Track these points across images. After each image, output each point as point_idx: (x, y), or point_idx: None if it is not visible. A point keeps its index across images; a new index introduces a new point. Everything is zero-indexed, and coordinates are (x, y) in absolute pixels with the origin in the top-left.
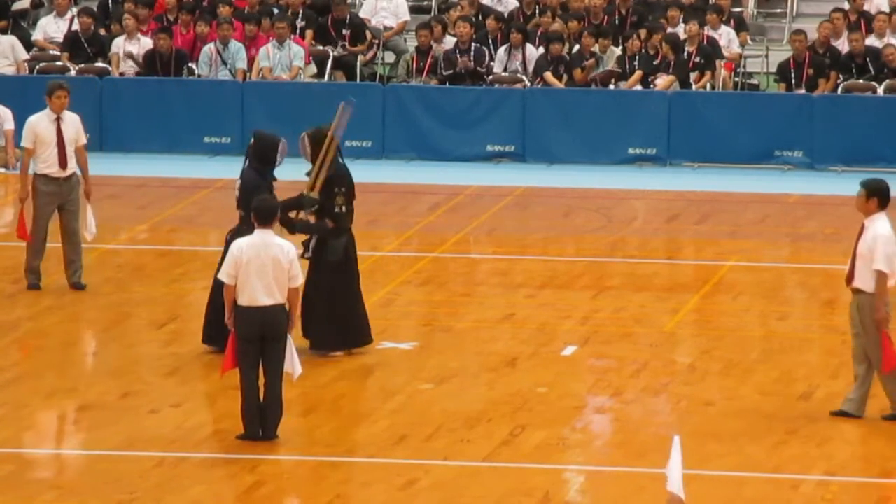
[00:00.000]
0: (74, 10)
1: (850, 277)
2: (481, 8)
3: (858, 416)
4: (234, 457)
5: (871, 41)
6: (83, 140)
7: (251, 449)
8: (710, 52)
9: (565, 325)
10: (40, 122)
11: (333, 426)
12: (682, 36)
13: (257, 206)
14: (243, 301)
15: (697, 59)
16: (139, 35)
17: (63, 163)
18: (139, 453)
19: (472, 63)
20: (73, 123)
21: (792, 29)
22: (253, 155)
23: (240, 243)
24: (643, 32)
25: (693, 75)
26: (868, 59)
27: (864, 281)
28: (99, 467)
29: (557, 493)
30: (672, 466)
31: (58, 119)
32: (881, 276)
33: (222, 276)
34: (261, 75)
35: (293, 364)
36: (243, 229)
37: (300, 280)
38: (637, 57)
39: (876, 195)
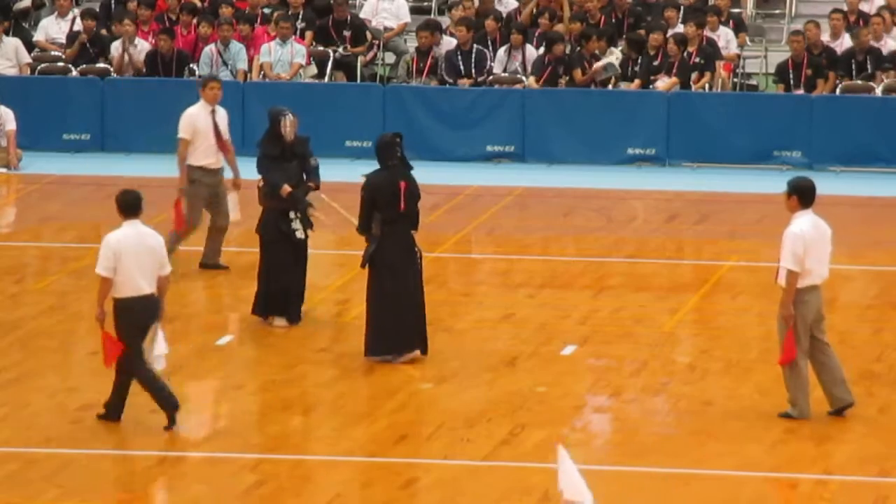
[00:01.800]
0: (76, 10)
1: (777, 274)
2: (483, 9)
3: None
4: (234, 456)
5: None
6: (228, 134)
7: (251, 449)
8: (710, 52)
9: (565, 325)
10: (199, 115)
11: (333, 426)
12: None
13: (120, 198)
14: (127, 293)
15: (697, 60)
16: (138, 38)
17: (219, 154)
18: (139, 453)
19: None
20: (223, 116)
21: (791, 29)
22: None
23: (115, 236)
24: (647, 34)
25: (693, 75)
26: (867, 57)
27: (783, 279)
28: (100, 466)
29: (557, 492)
30: (564, 475)
31: (213, 111)
32: (788, 274)
33: (100, 271)
34: (261, 73)
35: (160, 350)
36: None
37: (169, 268)
38: (640, 58)
39: (796, 193)
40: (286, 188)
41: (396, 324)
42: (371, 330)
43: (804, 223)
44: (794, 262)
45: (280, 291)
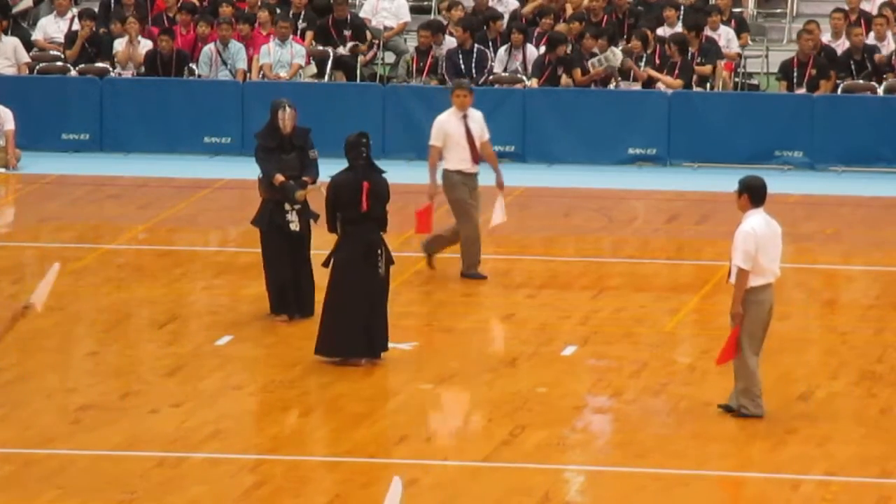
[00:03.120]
0: (75, 10)
1: (729, 273)
2: (486, 10)
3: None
4: (234, 457)
5: (870, 41)
6: (487, 135)
7: (251, 449)
8: (710, 49)
9: (565, 325)
10: (449, 121)
11: (333, 426)
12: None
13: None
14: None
15: (699, 60)
16: (140, 38)
17: (475, 158)
18: (139, 453)
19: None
20: (478, 120)
21: (792, 29)
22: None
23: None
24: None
25: (704, 69)
26: (866, 57)
27: (734, 276)
28: (99, 467)
29: (557, 493)
30: None
31: (464, 117)
32: (739, 272)
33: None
34: (261, 73)
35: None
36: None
37: None
38: (643, 58)
39: (746, 191)
40: (278, 177)
41: (345, 327)
42: (321, 329)
43: (755, 221)
44: (746, 261)
45: (278, 285)
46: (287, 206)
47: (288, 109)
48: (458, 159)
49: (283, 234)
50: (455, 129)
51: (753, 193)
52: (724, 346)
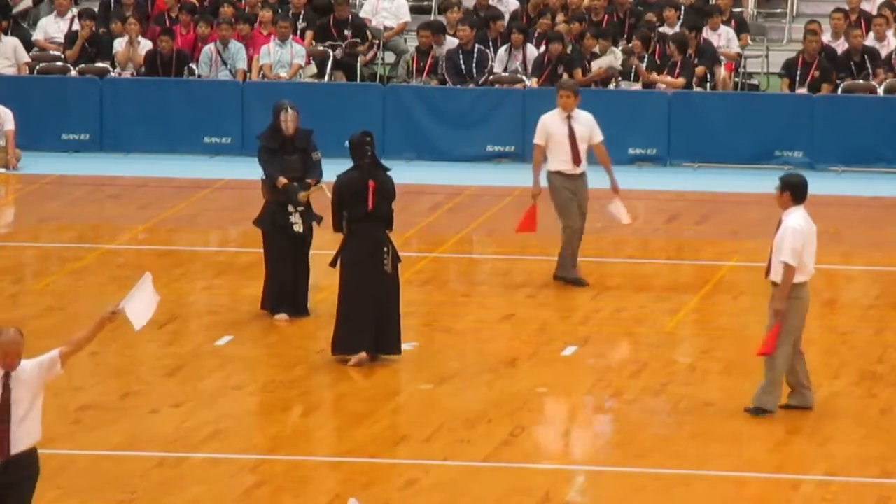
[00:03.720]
0: (75, 10)
1: (767, 270)
2: (487, 9)
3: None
4: (234, 457)
5: (870, 41)
6: (598, 137)
7: (251, 449)
8: (706, 51)
9: (566, 326)
10: (553, 121)
11: (333, 426)
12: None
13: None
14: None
15: (696, 62)
16: (140, 38)
17: (576, 160)
18: (139, 453)
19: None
20: (584, 122)
21: (792, 29)
22: None
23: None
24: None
25: (698, 70)
26: (866, 57)
27: (777, 274)
28: (99, 467)
29: (557, 493)
30: None
31: (568, 117)
32: (786, 269)
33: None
34: (261, 73)
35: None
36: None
37: None
38: (644, 58)
39: (789, 189)
40: (281, 179)
41: (356, 325)
42: (335, 328)
43: (799, 218)
44: (794, 258)
45: (279, 284)
46: (290, 208)
47: (290, 111)
48: (559, 160)
49: (287, 235)
50: (558, 129)
51: (795, 191)
52: (766, 339)
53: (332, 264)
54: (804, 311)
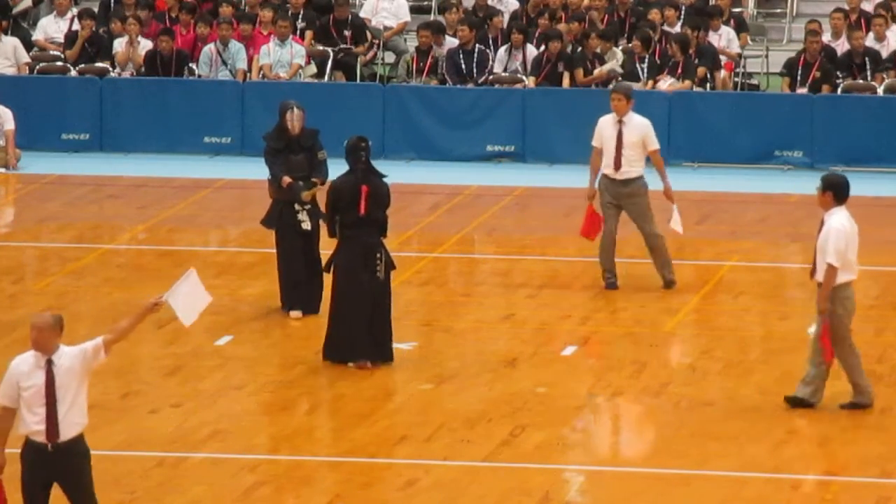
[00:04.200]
0: (75, 10)
1: (812, 271)
2: (486, 9)
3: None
4: (234, 457)
5: (870, 42)
6: (653, 145)
7: (251, 449)
8: (706, 52)
9: (565, 325)
10: (606, 124)
11: (333, 426)
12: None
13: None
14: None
15: (697, 61)
16: (140, 38)
17: (617, 164)
18: (139, 453)
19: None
20: (636, 127)
21: (792, 29)
22: None
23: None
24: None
25: (699, 72)
26: (867, 59)
27: (822, 274)
28: (99, 467)
29: (557, 493)
30: None
31: (619, 122)
32: (830, 269)
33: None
34: (261, 73)
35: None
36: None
37: None
38: (646, 59)
39: (831, 189)
40: (285, 179)
41: (350, 332)
42: (328, 334)
43: (842, 218)
44: (838, 258)
45: (293, 282)
46: (297, 206)
47: (296, 111)
48: (605, 164)
49: (296, 234)
50: (609, 132)
51: (837, 191)
52: (823, 345)
53: (327, 269)
54: (851, 310)
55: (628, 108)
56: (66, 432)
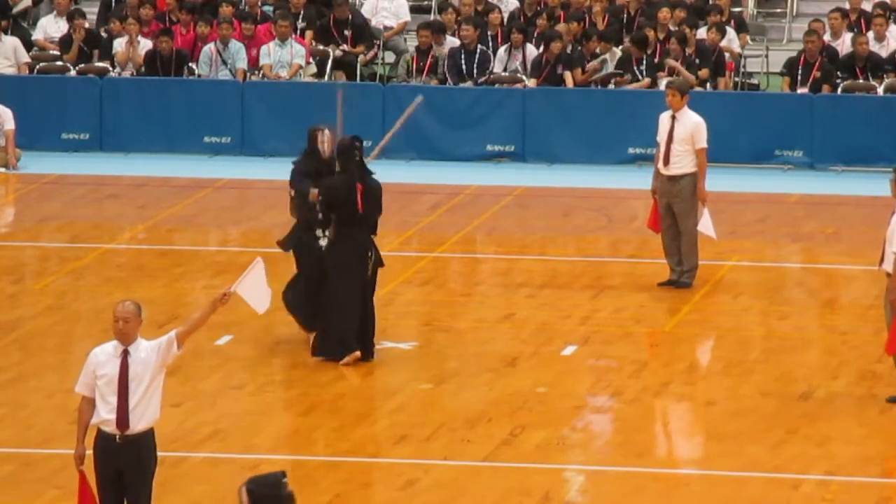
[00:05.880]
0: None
1: (881, 260)
2: (485, 5)
3: None
4: (234, 457)
5: (870, 41)
6: (699, 144)
7: (251, 449)
8: (705, 52)
9: (565, 325)
10: (663, 119)
11: (333, 426)
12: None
13: None
14: None
15: (697, 61)
16: (140, 37)
17: (665, 160)
18: None
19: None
20: (686, 124)
21: (792, 29)
22: None
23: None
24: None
25: (702, 73)
26: (867, 63)
27: (890, 264)
28: None
29: (557, 493)
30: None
31: (673, 117)
32: None
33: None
34: (261, 73)
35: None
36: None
37: None
38: (644, 59)
39: None
40: (314, 192)
41: (342, 326)
42: (319, 331)
43: None
44: None
45: (310, 295)
46: (318, 232)
47: (327, 133)
48: (658, 158)
49: (312, 253)
50: (663, 127)
51: None
52: (890, 335)
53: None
54: None
55: (683, 103)
56: (136, 424)
